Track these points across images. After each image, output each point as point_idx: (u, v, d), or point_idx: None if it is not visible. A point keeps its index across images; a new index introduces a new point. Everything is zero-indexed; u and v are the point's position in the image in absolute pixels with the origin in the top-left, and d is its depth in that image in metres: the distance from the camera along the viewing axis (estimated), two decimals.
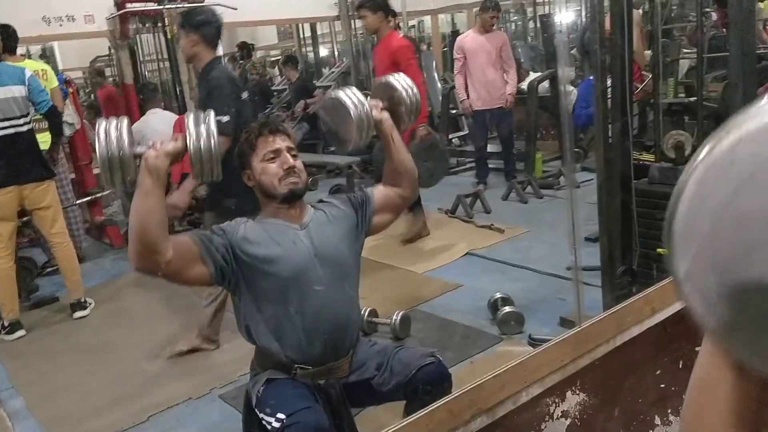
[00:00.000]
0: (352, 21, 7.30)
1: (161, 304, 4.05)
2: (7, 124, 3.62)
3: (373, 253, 4.33)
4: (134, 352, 3.47)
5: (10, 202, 3.68)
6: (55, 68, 4.98)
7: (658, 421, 1.56)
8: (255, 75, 8.85)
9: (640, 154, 3.33)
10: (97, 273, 4.85)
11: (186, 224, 5.10)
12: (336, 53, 9.87)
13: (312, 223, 1.91)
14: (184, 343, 3.31)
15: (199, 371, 3.15)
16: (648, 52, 4.55)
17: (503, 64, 5.72)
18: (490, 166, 6.20)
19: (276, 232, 1.85)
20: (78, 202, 5.04)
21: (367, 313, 3.26)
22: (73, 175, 5.18)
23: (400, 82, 2.01)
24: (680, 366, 1.53)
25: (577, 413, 1.43)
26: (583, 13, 6.47)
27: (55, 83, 4.44)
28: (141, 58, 5.55)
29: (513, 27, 10.07)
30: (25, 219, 4.04)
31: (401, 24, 6.74)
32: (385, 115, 1.96)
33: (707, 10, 4.56)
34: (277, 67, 11.04)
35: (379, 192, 2.04)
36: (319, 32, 10.17)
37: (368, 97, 1.98)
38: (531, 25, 9.85)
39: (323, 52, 10.49)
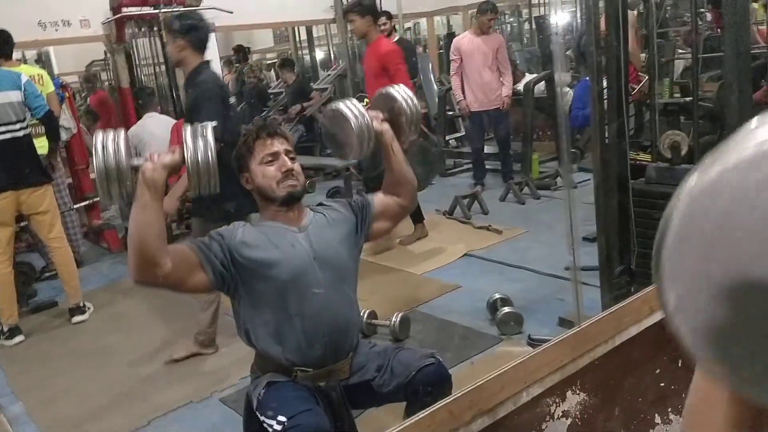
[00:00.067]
0: (348, 24, 7.30)
1: (160, 308, 4.04)
2: (3, 129, 3.61)
3: (371, 254, 4.34)
4: (133, 356, 3.46)
5: (7, 207, 3.67)
6: (50, 73, 4.97)
7: (658, 419, 1.57)
8: (253, 78, 8.85)
9: (637, 154, 3.33)
10: (95, 277, 4.84)
11: (184, 227, 5.09)
12: (332, 56, 9.88)
13: (311, 226, 1.91)
14: (182, 349, 3.31)
15: (198, 375, 3.15)
16: (643, 55, 4.56)
17: (499, 65, 5.73)
18: (487, 167, 6.21)
19: (274, 235, 1.85)
20: (75, 206, 5.03)
21: (366, 315, 3.25)
22: (70, 180, 5.17)
23: (400, 92, 2.02)
24: (679, 365, 1.53)
25: (577, 413, 1.43)
26: (578, 15, 6.49)
27: (52, 88, 4.43)
28: (137, 62, 5.53)
29: (508, 29, 10.09)
30: (22, 224, 4.03)
31: (397, 26, 6.74)
32: (386, 126, 1.98)
33: (702, 10, 4.57)
34: (273, 70, 11.04)
35: (378, 199, 2.05)
36: (315, 35, 10.18)
37: (364, 102, 2.00)
38: (526, 26, 9.87)
39: (319, 54, 10.50)
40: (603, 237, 2.95)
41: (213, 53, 5.55)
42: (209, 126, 1.66)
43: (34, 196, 3.76)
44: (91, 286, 4.51)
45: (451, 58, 5.94)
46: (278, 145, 1.90)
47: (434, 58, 8.84)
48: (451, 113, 7.04)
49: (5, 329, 3.76)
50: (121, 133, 1.59)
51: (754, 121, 0.46)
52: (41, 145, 4.08)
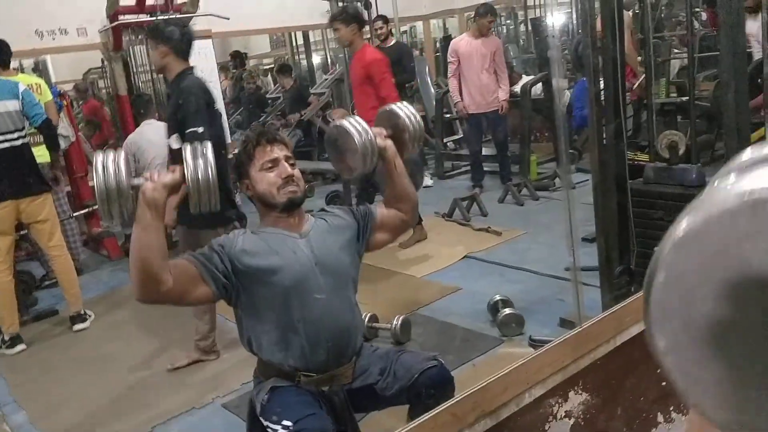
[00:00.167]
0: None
1: (160, 316, 4.00)
2: (1, 138, 3.61)
3: (371, 258, 4.31)
4: (135, 363, 3.46)
5: (7, 217, 3.67)
6: (48, 81, 4.97)
7: (660, 418, 1.58)
8: (252, 84, 8.85)
9: (635, 155, 3.35)
10: (96, 285, 4.83)
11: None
12: (329, 60, 9.89)
13: (312, 231, 1.91)
14: (184, 357, 3.30)
15: (200, 381, 3.14)
16: (640, 59, 4.57)
17: (496, 68, 5.74)
18: (485, 169, 6.22)
19: (275, 242, 1.85)
20: (75, 214, 5.02)
21: (367, 319, 3.25)
22: (68, 188, 5.16)
23: (403, 109, 2.04)
24: None
25: (580, 413, 1.44)
26: (574, 16, 6.50)
27: (50, 97, 4.43)
28: (134, 70, 5.53)
29: (504, 30, 10.10)
30: (22, 232, 4.02)
31: (393, 30, 6.75)
32: (389, 142, 1.98)
33: (697, 10, 4.59)
34: (270, 75, 11.04)
35: (381, 210, 2.07)
36: (311, 39, 10.20)
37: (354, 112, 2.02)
38: (522, 28, 9.89)
39: (316, 59, 10.51)
40: (602, 237, 2.95)
41: (210, 59, 5.58)
42: (209, 144, 1.66)
43: (34, 205, 3.76)
44: (91, 294, 4.50)
45: (448, 60, 5.94)
46: (278, 151, 1.90)
47: (431, 61, 8.85)
48: (448, 116, 7.05)
49: (6, 338, 3.75)
50: (121, 153, 1.59)
51: (734, 168, 0.48)
52: (40, 154, 4.08)
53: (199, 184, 1.61)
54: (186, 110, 2.84)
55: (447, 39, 8.29)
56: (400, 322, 3.22)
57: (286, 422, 1.68)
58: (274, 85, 9.33)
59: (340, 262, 1.91)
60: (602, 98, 2.85)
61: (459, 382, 1.86)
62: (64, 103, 4.91)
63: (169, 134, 2.99)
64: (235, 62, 9.47)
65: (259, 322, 1.84)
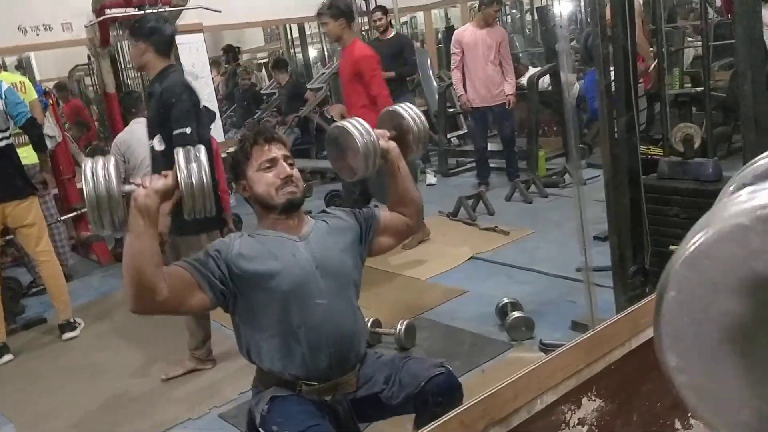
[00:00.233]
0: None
1: (153, 323, 3.95)
2: None
3: (373, 260, 4.23)
4: (127, 372, 3.43)
5: None
6: (32, 79, 4.92)
7: (678, 425, 1.55)
8: (247, 80, 8.74)
9: (648, 149, 3.35)
10: (85, 291, 4.79)
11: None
12: (326, 54, 9.76)
13: (312, 233, 1.89)
14: (178, 367, 3.26)
15: (195, 391, 3.11)
16: (652, 50, 4.47)
17: (501, 60, 5.67)
18: (491, 165, 6.15)
19: (273, 245, 1.83)
20: (63, 218, 4.99)
21: (370, 324, 3.22)
22: (55, 190, 5.14)
23: (408, 111, 2.04)
24: None
25: (594, 420, 1.42)
26: (582, 5, 6.40)
27: (34, 95, 4.41)
28: (122, 66, 5.50)
29: (509, 20, 10.01)
30: (8, 237, 3.99)
31: (393, 21, 6.63)
32: (392, 144, 1.98)
33: None
34: (264, 70, 10.96)
35: (384, 213, 2.06)
36: (307, 32, 10.07)
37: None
38: (528, 17, 9.79)
39: (312, 53, 10.39)
40: (615, 235, 2.92)
41: (201, 54, 5.50)
42: (202, 147, 1.64)
43: (20, 209, 3.72)
44: (81, 301, 4.47)
45: (452, 52, 5.87)
46: (276, 151, 1.88)
47: (433, 53, 8.75)
48: (452, 110, 6.99)
49: None
50: (111, 159, 1.56)
51: (747, 178, 0.52)
52: (25, 155, 4.06)
53: (193, 189, 1.59)
54: (172, 111, 2.80)
55: (449, 30, 8.22)
56: (404, 327, 3.19)
57: None
58: (269, 80, 9.23)
59: (342, 265, 1.90)
60: (613, 90, 2.81)
61: (467, 389, 1.85)
62: (50, 101, 4.90)
63: (152, 136, 2.96)
64: (227, 57, 9.37)
65: (257, 330, 1.82)
